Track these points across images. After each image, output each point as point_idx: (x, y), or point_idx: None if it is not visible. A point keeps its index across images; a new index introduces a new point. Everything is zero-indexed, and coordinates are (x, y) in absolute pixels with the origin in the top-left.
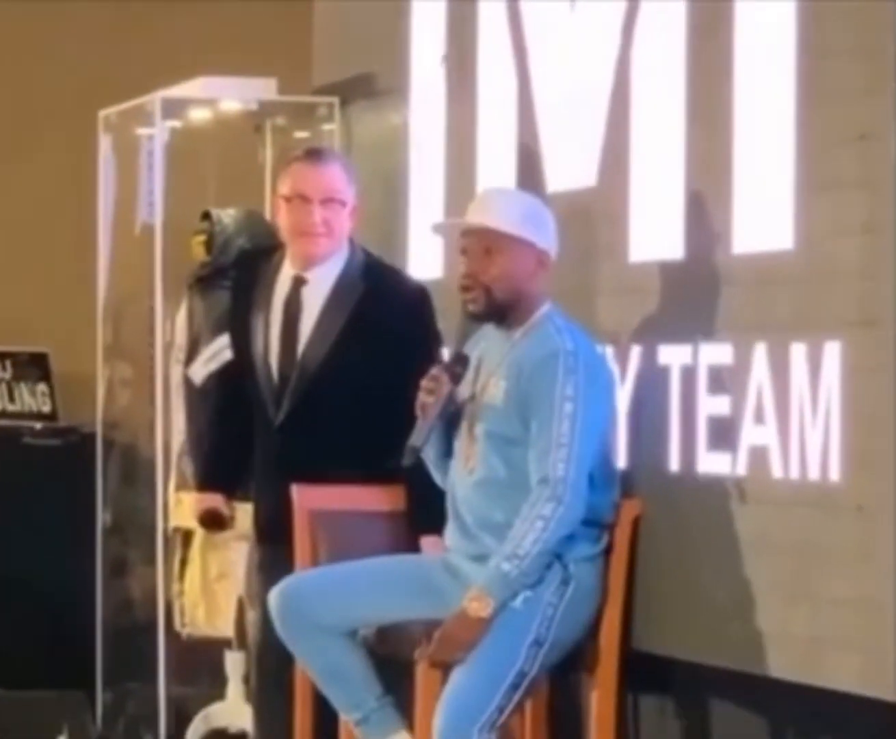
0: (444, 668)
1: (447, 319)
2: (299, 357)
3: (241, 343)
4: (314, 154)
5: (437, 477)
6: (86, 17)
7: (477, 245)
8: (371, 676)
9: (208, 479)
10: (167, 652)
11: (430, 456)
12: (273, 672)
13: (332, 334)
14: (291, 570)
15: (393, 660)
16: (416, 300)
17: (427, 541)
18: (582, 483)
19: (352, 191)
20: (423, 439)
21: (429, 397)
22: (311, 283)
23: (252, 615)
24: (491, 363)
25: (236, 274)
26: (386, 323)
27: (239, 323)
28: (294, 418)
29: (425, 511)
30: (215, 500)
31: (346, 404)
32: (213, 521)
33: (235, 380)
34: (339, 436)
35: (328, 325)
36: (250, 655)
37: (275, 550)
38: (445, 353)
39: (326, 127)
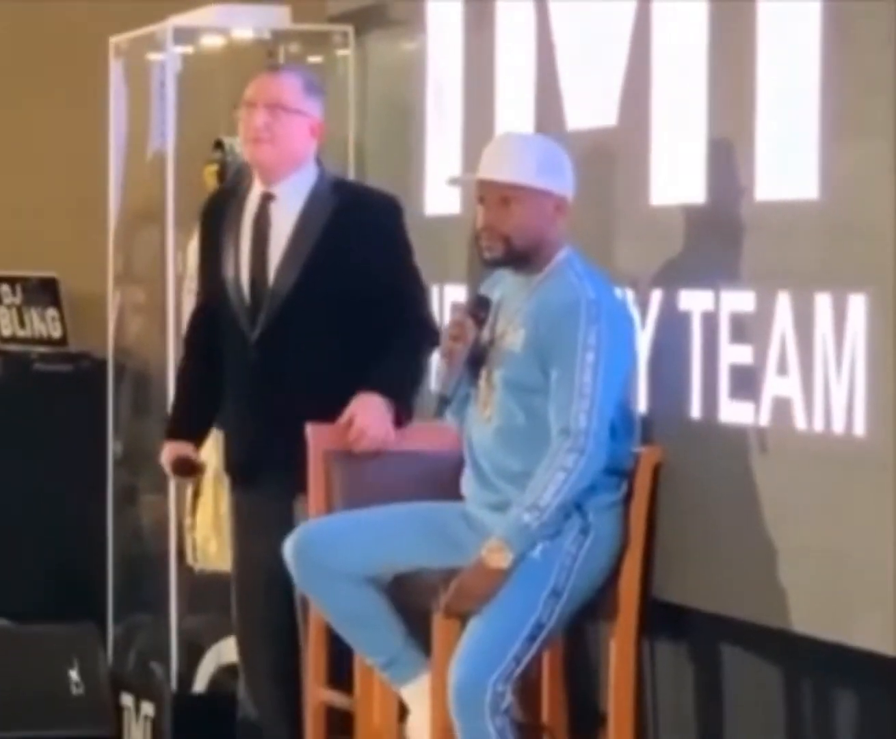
0: (461, 619)
1: (464, 256)
2: (272, 277)
3: (211, 271)
4: (271, 66)
5: (452, 422)
6: None
7: (494, 195)
8: (393, 618)
9: (178, 427)
10: (179, 585)
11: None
12: (251, 608)
13: (305, 251)
14: (268, 518)
15: (409, 610)
16: (388, 211)
17: (363, 400)
18: (603, 434)
19: (311, 107)
20: (452, 388)
21: (456, 344)
22: (280, 200)
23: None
24: (509, 309)
25: (204, 208)
26: (359, 235)
27: (207, 253)
28: (269, 335)
29: (385, 374)
30: (185, 448)
31: (321, 318)
32: (185, 468)
33: (204, 324)
34: (315, 351)
35: (301, 243)
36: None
37: (252, 494)
38: (459, 292)
39: (341, 53)
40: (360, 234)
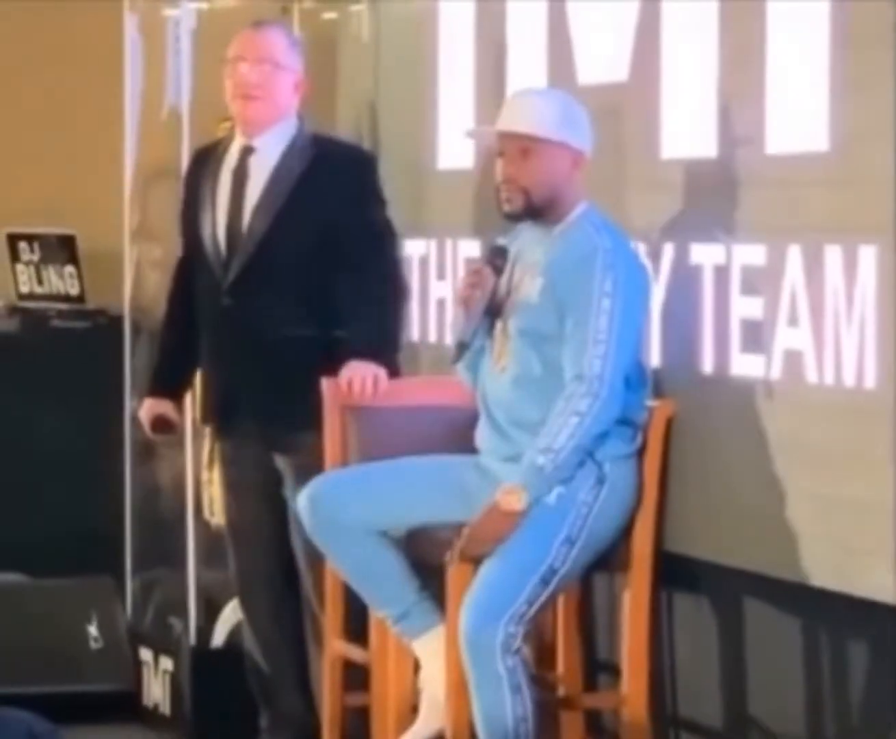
0: (474, 562)
1: (477, 211)
2: (247, 222)
3: (190, 225)
4: (256, 23)
5: (465, 376)
6: None
7: (513, 148)
8: (407, 572)
9: (158, 383)
10: (196, 540)
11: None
12: (246, 557)
13: (280, 199)
14: (249, 464)
15: (422, 565)
16: (362, 163)
17: (348, 365)
18: (618, 380)
19: (295, 62)
20: (470, 335)
21: (474, 291)
22: (259, 151)
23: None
24: (527, 261)
25: (187, 169)
26: (332, 186)
27: (187, 207)
28: (242, 280)
29: (365, 336)
30: (164, 406)
31: (293, 265)
32: (164, 426)
33: (186, 279)
34: (286, 297)
35: (276, 191)
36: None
37: (232, 441)
38: (471, 247)
39: (355, 8)
40: (334, 184)
